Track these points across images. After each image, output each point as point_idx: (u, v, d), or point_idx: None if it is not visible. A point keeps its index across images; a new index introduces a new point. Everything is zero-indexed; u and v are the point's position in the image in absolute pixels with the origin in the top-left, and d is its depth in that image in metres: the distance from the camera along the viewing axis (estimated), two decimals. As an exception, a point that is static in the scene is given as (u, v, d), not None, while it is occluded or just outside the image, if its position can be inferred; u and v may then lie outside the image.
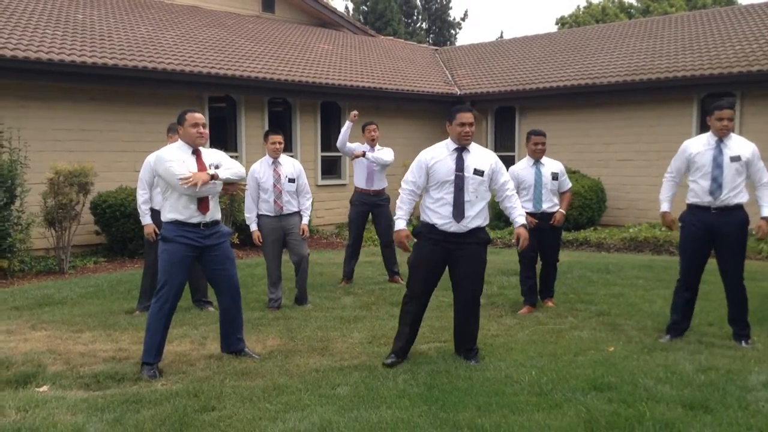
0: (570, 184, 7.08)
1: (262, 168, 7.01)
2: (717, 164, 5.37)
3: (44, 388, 4.54)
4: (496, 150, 16.03)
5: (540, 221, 6.72)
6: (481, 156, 5.05)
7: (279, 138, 7.02)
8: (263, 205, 7.02)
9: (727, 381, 4.30)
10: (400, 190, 5.08)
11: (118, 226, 10.27)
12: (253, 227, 7.01)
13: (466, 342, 5.07)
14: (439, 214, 4.93)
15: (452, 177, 4.90)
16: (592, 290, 7.65)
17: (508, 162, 15.41)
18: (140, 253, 7.06)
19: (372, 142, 8.45)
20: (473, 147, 5.06)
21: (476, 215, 4.93)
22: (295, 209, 7.08)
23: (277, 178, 6.93)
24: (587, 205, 13.02)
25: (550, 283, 7.06)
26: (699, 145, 5.54)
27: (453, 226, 4.90)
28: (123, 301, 7.37)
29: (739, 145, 5.45)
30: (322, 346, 5.51)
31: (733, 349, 5.20)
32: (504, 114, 15.95)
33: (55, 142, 10.56)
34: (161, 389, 4.40)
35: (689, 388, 4.18)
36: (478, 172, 4.94)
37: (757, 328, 5.66)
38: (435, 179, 4.96)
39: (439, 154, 5.01)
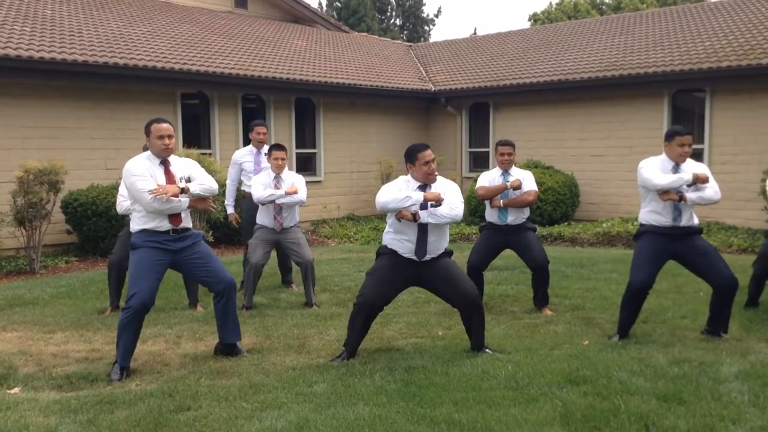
0: (533, 188, 6.57)
1: (264, 181, 6.85)
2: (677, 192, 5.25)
3: (16, 389, 4.47)
4: (470, 146, 16.12)
5: (505, 234, 6.53)
6: (441, 190, 4.90)
7: (282, 154, 6.85)
8: (262, 216, 6.92)
9: (700, 373, 4.36)
10: (382, 201, 4.80)
11: (90, 225, 10.13)
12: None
13: (478, 344, 5.03)
14: (401, 248, 4.89)
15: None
16: (567, 284, 7.71)
17: (482, 158, 15.69)
18: (112, 253, 6.96)
19: (260, 145, 7.75)
20: (437, 183, 4.94)
21: (439, 246, 4.92)
22: (294, 223, 7.00)
23: None
24: (561, 201, 13.10)
25: (542, 289, 6.56)
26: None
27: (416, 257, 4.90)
28: (95, 301, 7.28)
29: (693, 168, 5.35)
30: (299, 343, 5.49)
31: (705, 341, 5.27)
32: (478, 110, 15.98)
33: (24, 140, 10.38)
34: (135, 389, 4.35)
35: (663, 380, 4.23)
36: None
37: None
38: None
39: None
